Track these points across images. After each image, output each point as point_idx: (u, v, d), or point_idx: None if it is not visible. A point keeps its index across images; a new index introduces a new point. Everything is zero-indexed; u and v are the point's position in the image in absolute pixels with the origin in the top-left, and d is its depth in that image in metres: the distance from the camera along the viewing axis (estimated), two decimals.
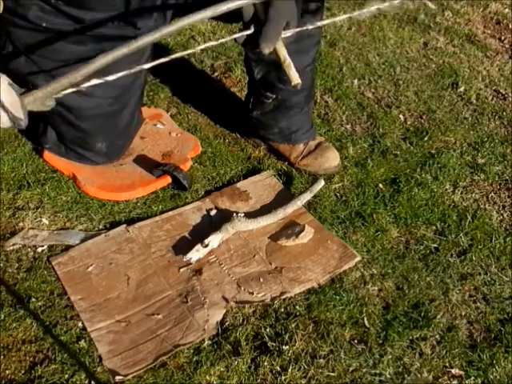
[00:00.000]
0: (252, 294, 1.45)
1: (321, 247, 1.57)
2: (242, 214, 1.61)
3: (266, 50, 1.32)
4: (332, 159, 1.80)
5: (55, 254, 1.51)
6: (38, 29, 1.45)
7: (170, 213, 1.64)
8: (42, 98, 1.09)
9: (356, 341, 1.36)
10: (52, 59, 1.52)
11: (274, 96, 1.76)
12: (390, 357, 1.33)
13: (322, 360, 1.31)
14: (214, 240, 1.53)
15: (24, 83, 1.53)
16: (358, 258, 1.54)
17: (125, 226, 1.59)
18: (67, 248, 1.52)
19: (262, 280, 1.48)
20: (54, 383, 1.24)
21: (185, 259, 1.50)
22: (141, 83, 1.69)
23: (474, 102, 2.18)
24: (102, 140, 1.70)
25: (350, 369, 1.31)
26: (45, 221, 1.59)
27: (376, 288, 1.48)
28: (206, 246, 1.51)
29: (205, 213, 1.65)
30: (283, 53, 1.36)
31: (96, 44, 1.50)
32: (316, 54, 1.78)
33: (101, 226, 1.60)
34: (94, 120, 1.66)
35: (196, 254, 1.50)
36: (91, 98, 1.60)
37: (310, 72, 1.77)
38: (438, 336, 1.39)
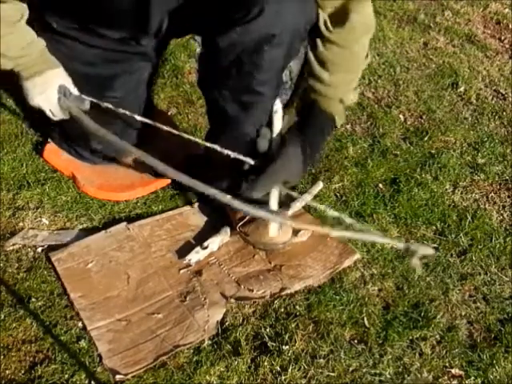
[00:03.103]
0: (252, 291, 1.44)
1: (320, 244, 1.57)
2: None
3: (254, 195, 1.41)
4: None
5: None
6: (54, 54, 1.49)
7: (171, 212, 1.64)
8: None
9: (356, 341, 1.36)
10: None
11: None
12: (390, 357, 1.33)
13: (321, 360, 1.31)
14: (213, 242, 1.53)
15: None
16: (358, 254, 1.54)
17: (125, 223, 1.58)
18: (67, 244, 1.52)
19: (261, 278, 1.48)
20: (54, 383, 1.23)
21: (184, 261, 1.50)
22: (140, 94, 1.69)
23: (474, 102, 2.18)
24: (97, 142, 1.71)
25: (350, 369, 1.30)
26: (45, 221, 1.59)
27: (376, 288, 1.48)
28: (206, 248, 1.51)
29: (205, 213, 1.65)
30: (272, 202, 1.44)
31: (104, 63, 1.56)
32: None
33: (101, 226, 1.60)
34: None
35: (195, 255, 1.50)
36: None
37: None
38: (438, 336, 1.39)
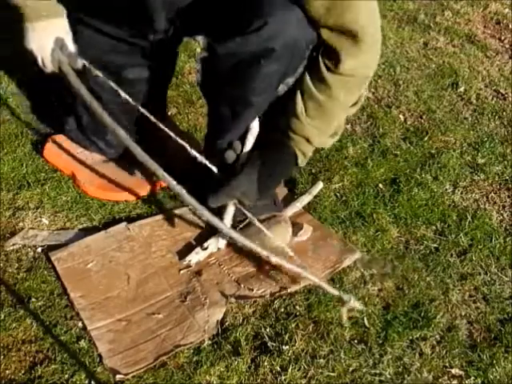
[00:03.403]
0: (252, 290, 1.44)
1: (320, 244, 1.57)
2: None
3: (210, 203, 1.43)
4: (275, 237, 1.52)
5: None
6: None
7: (171, 212, 1.64)
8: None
9: (356, 341, 1.36)
10: None
11: None
12: (390, 357, 1.33)
13: (321, 360, 1.31)
14: (213, 243, 1.53)
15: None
16: (358, 253, 1.54)
17: (125, 223, 1.59)
18: (67, 244, 1.52)
19: (261, 277, 1.48)
20: (54, 383, 1.23)
21: (184, 262, 1.50)
22: (150, 90, 1.69)
23: (474, 101, 2.18)
24: (111, 134, 1.71)
25: (350, 369, 1.30)
26: (45, 221, 1.59)
27: (376, 288, 1.48)
28: (206, 248, 1.51)
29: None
30: (227, 217, 1.49)
31: (117, 54, 1.58)
32: None
33: (101, 226, 1.60)
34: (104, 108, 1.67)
35: (195, 256, 1.50)
36: (110, 92, 1.60)
37: None
38: (437, 336, 1.39)
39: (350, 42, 1.32)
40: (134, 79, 1.64)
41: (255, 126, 1.50)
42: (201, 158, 1.47)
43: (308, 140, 1.44)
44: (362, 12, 1.30)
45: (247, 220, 1.55)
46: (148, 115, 1.49)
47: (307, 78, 1.39)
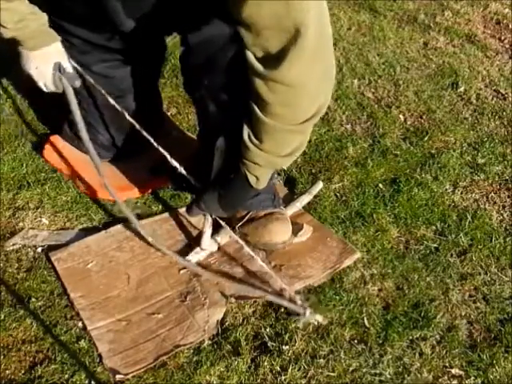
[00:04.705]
0: (252, 291, 1.44)
1: (320, 244, 1.57)
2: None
3: (190, 215, 1.56)
4: (275, 233, 1.54)
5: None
6: None
7: (171, 212, 1.64)
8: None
9: (356, 341, 1.36)
10: None
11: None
12: (390, 357, 1.33)
13: (321, 360, 1.31)
14: (213, 243, 1.53)
15: None
16: (358, 254, 1.54)
17: (125, 223, 1.59)
18: (67, 244, 1.52)
19: (262, 278, 1.48)
20: (54, 383, 1.24)
21: (184, 262, 1.50)
22: (140, 86, 1.68)
23: (474, 102, 2.18)
24: (103, 132, 1.71)
25: (350, 369, 1.30)
26: (45, 221, 1.59)
27: (376, 288, 1.48)
28: (206, 248, 1.51)
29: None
30: (205, 228, 1.53)
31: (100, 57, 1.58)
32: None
33: (101, 226, 1.60)
34: (97, 110, 1.67)
35: (195, 256, 1.50)
36: (95, 89, 1.61)
37: None
38: (437, 336, 1.39)
39: (292, 43, 1.12)
40: (120, 76, 1.63)
41: (221, 147, 1.46)
42: (180, 169, 1.50)
43: (257, 164, 1.35)
44: (308, 10, 1.10)
45: (246, 217, 1.56)
46: (135, 124, 1.52)
47: (251, 102, 1.26)
